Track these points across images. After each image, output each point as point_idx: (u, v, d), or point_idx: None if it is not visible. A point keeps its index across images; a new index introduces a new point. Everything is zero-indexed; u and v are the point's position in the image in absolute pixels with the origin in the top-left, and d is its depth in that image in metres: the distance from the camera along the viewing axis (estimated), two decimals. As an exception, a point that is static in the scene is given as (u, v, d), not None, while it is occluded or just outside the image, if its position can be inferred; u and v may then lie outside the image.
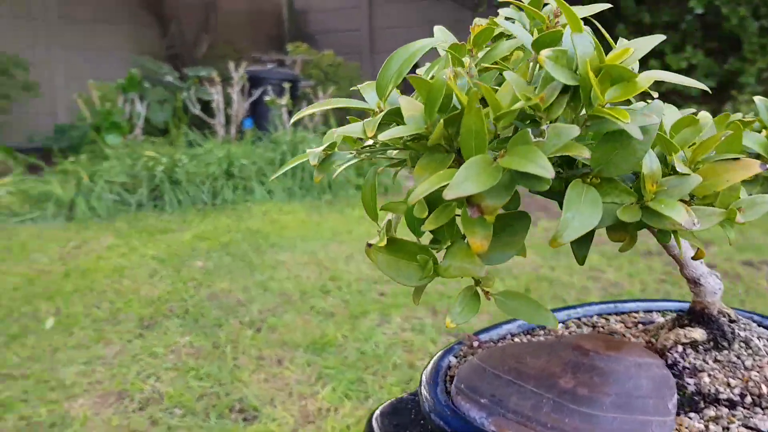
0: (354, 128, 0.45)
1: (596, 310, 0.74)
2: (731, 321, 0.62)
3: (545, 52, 0.38)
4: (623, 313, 0.75)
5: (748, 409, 0.52)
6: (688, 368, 0.57)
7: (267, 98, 5.52)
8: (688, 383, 0.55)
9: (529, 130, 0.38)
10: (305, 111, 0.48)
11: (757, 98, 0.54)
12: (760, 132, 0.52)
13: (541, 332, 0.70)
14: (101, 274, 2.63)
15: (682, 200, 0.42)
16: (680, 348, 0.60)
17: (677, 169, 0.41)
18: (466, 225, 0.40)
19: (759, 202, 0.45)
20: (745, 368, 0.58)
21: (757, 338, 0.60)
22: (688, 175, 0.41)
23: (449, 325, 0.42)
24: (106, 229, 3.37)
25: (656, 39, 0.43)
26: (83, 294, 2.42)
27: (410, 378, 1.74)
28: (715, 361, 0.59)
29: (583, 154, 0.37)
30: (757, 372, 0.56)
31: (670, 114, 0.47)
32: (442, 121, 0.40)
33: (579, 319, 0.74)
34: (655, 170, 0.40)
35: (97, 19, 7.17)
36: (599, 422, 0.46)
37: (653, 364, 0.52)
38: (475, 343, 0.67)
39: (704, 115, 0.49)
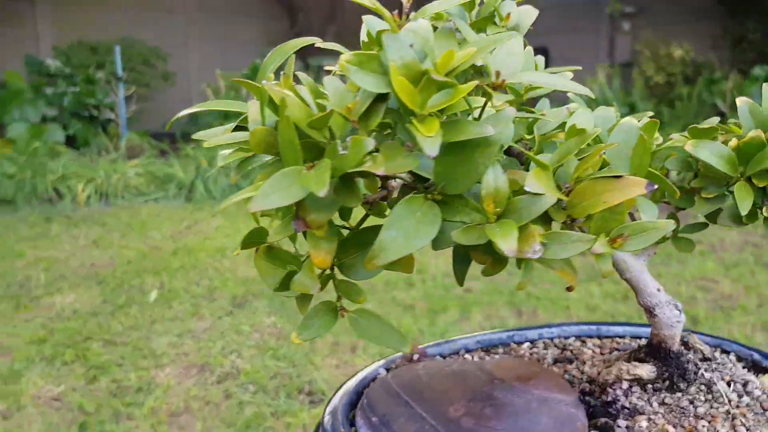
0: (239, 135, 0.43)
1: (575, 332, 0.68)
2: (703, 359, 0.54)
3: (346, 56, 0.34)
4: (606, 337, 0.68)
5: None
6: (627, 408, 0.50)
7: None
8: (619, 426, 0.49)
9: (339, 142, 0.35)
10: (186, 111, 0.46)
11: (740, 99, 0.46)
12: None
13: (500, 350, 0.66)
14: (205, 254, 2.81)
15: (565, 222, 0.37)
16: (626, 385, 0.53)
17: (526, 187, 0.35)
18: (310, 239, 0.37)
19: (649, 228, 0.37)
20: (695, 416, 0.50)
21: (727, 382, 0.52)
22: (542, 194, 0.35)
23: (294, 341, 0.40)
24: (217, 211, 3.59)
25: (509, 35, 0.37)
26: (187, 271, 2.60)
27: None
28: (662, 403, 0.51)
29: (376, 170, 0.33)
30: (707, 422, 0.48)
31: (582, 118, 0.41)
32: (261, 128, 0.38)
33: (551, 339, 0.68)
34: (500, 187, 0.35)
35: (233, 11, 7.63)
36: None
37: (562, 401, 0.47)
38: (416, 357, 0.63)
39: (625, 122, 0.42)
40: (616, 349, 0.64)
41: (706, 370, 0.53)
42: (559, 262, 0.37)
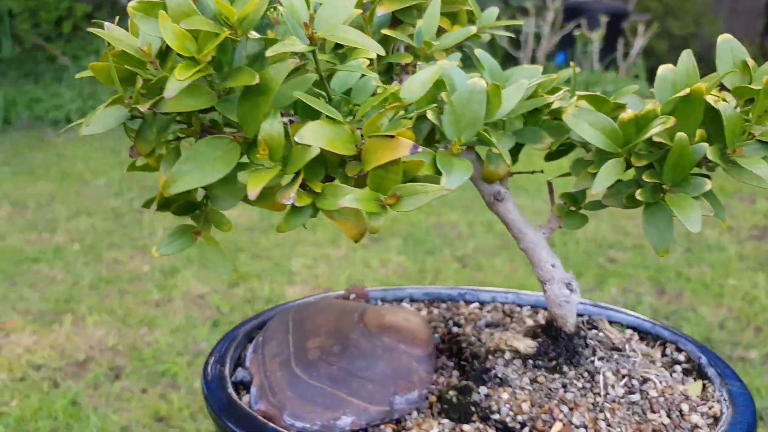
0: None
1: (532, 301, 0.65)
2: (612, 347, 0.49)
3: (132, 3, 0.33)
4: None
5: None
6: (499, 379, 0.47)
7: (577, 33, 5.22)
8: (478, 392, 0.46)
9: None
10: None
11: (661, 68, 0.37)
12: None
13: (444, 305, 0.63)
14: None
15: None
16: (509, 356, 0.47)
17: (295, 138, 0.32)
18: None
19: (419, 191, 0.35)
20: (560, 399, 0.43)
21: (613, 373, 0.46)
22: (308, 147, 0.31)
23: (154, 254, 0.41)
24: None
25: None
26: (338, 201, 2.76)
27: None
28: (534, 381, 0.45)
29: (175, 108, 0.33)
30: (568, 408, 0.44)
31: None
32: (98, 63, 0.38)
33: (503, 304, 0.63)
34: (274, 134, 0.33)
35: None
36: (299, 387, 0.43)
37: (406, 353, 0.45)
38: (352, 296, 0.62)
39: (469, 83, 0.36)
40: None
41: (600, 359, 0.47)
42: (338, 213, 0.35)
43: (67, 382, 1.44)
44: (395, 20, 0.48)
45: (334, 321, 0.47)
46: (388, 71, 0.48)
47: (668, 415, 0.44)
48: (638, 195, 0.39)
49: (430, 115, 0.38)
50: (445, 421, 0.43)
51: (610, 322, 0.60)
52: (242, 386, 0.48)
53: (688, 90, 0.38)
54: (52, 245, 2.27)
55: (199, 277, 2.00)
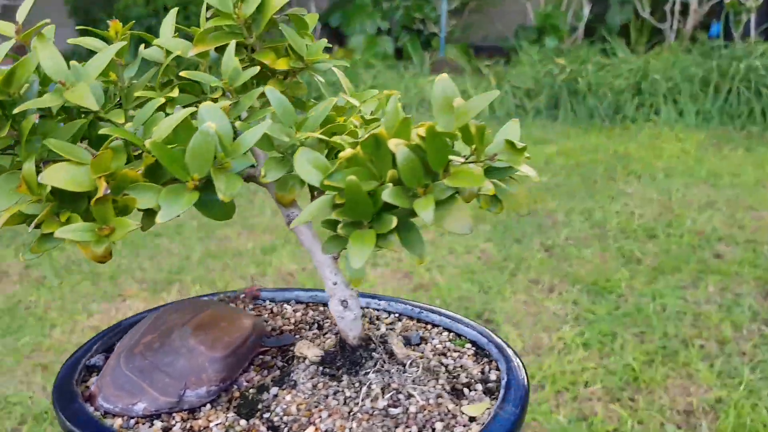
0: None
1: (400, 309, 0.65)
2: (396, 362, 0.51)
3: None
4: (422, 321, 0.64)
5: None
6: (293, 381, 0.51)
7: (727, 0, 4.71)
8: (270, 390, 0.51)
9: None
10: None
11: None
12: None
13: (322, 308, 0.66)
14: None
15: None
16: (308, 361, 0.48)
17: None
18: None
19: (125, 224, 0.41)
20: (324, 405, 0.44)
21: (383, 387, 0.48)
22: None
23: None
24: (493, 131, 3.65)
25: None
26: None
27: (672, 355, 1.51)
28: (315, 387, 0.47)
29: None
30: (326, 414, 0.47)
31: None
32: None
33: (374, 310, 0.62)
34: (29, 175, 0.41)
35: None
36: (116, 374, 0.50)
37: (203, 355, 0.50)
38: (242, 295, 0.65)
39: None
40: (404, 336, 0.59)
41: (377, 372, 0.47)
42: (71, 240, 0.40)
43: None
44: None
45: (171, 321, 0.54)
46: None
47: (420, 431, 0.45)
48: (339, 229, 0.41)
49: (155, 152, 0.42)
50: (231, 414, 0.48)
51: (458, 335, 0.60)
52: (95, 370, 0.56)
53: (372, 133, 0.39)
54: (175, 221, 2.55)
55: (293, 255, 2.15)
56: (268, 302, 0.69)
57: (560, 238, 2.18)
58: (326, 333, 0.61)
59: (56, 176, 0.41)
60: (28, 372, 1.53)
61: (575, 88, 3.86)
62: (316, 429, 0.46)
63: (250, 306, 0.68)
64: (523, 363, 0.54)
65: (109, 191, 0.41)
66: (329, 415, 0.47)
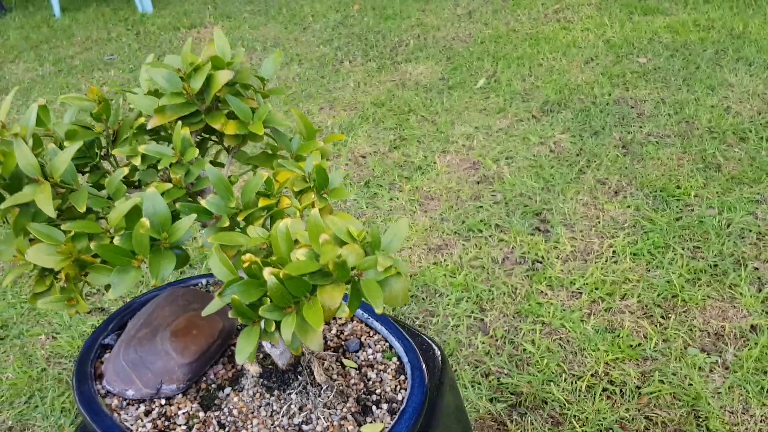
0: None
1: (356, 313, 0.70)
2: (315, 385, 0.61)
3: None
4: (370, 327, 0.72)
5: (221, 428, 0.60)
6: (242, 387, 0.62)
7: None
8: (224, 391, 0.64)
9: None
10: None
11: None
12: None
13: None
14: (550, 46, 2.80)
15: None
16: (248, 370, 0.58)
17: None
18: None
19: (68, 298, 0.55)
20: (257, 415, 0.54)
21: (300, 406, 0.59)
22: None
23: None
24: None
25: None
26: (522, 63, 2.68)
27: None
28: (254, 395, 0.56)
29: None
30: (257, 422, 0.59)
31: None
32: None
33: None
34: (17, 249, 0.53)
35: None
36: (116, 362, 0.64)
37: (174, 360, 0.64)
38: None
39: None
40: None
41: (298, 393, 0.57)
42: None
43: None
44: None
45: (165, 317, 0.66)
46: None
47: None
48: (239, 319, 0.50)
49: (115, 241, 0.51)
50: (195, 405, 0.62)
51: (390, 347, 0.69)
52: (109, 348, 0.70)
53: (255, 262, 0.45)
54: (264, 92, 2.68)
55: (368, 137, 2.24)
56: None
57: (641, 134, 2.11)
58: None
59: (37, 257, 0.52)
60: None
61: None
62: None
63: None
64: (425, 390, 0.62)
65: (66, 284, 0.53)
66: (258, 424, 0.60)
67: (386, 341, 0.73)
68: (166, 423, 0.62)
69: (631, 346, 1.33)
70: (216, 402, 0.65)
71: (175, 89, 0.58)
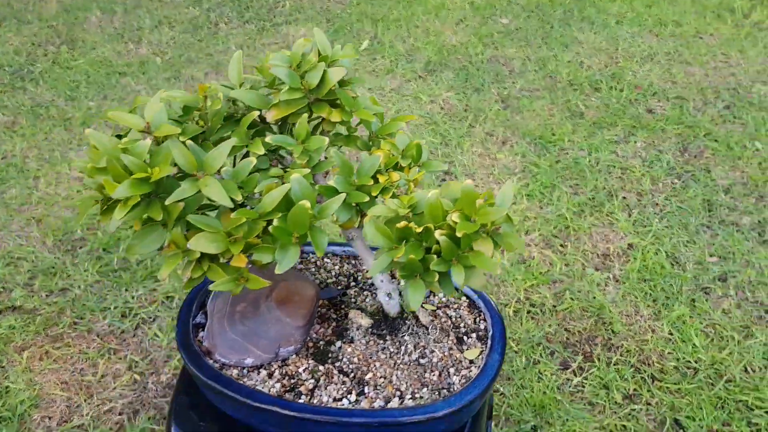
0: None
1: None
2: (424, 328, 0.72)
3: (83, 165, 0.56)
4: None
5: (344, 375, 0.69)
6: (351, 338, 0.73)
7: None
8: (335, 344, 0.73)
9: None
10: None
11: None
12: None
13: (354, 260, 0.86)
14: (423, 9, 2.96)
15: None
16: (359, 324, 0.72)
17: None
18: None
19: (255, 280, 0.63)
20: (376, 356, 0.68)
21: (414, 345, 0.71)
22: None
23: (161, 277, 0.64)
24: None
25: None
26: (400, 25, 2.82)
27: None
28: (367, 343, 0.70)
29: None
30: (375, 363, 0.69)
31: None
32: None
33: (339, 255, 0.85)
34: (179, 237, 0.61)
35: None
36: (225, 336, 0.70)
37: (289, 324, 0.71)
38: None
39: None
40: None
41: (410, 334, 0.71)
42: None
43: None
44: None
45: (257, 291, 0.73)
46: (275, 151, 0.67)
47: (439, 375, 0.70)
48: (399, 275, 0.61)
49: (274, 223, 0.58)
50: (312, 362, 0.71)
51: (455, 289, 0.83)
52: (200, 327, 0.76)
53: (425, 226, 0.57)
54: (138, 58, 2.55)
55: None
56: (310, 255, 0.88)
57: (515, 89, 2.35)
58: (363, 290, 0.81)
59: (200, 243, 0.57)
60: (23, 226, 1.66)
61: None
62: (374, 374, 0.69)
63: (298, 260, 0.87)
64: (502, 318, 0.77)
65: (250, 265, 0.58)
66: (381, 365, 0.70)
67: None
68: (292, 380, 0.69)
69: (541, 273, 1.56)
70: (330, 356, 0.72)
71: (295, 85, 0.64)
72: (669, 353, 1.36)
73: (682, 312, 1.45)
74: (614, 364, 1.34)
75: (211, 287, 0.59)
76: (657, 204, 1.81)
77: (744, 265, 1.60)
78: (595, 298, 1.49)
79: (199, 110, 0.65)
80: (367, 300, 0.79)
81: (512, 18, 2.88)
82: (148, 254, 0.64)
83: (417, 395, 0.68)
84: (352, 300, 0.81)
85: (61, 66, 2.47)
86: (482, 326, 0.79)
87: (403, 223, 0.60)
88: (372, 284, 0.83)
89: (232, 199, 0.58)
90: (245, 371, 0.70)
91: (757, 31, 2.82)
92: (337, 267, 0.87)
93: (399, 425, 0.63)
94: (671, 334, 1.41)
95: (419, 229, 0.60)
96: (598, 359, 1.35)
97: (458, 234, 0.58)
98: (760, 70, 2.49)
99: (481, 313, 0.81)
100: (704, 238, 1.68)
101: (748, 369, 1.34)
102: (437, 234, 0.59)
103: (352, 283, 0.84)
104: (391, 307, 0.75)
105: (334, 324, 0.78)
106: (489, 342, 0.75)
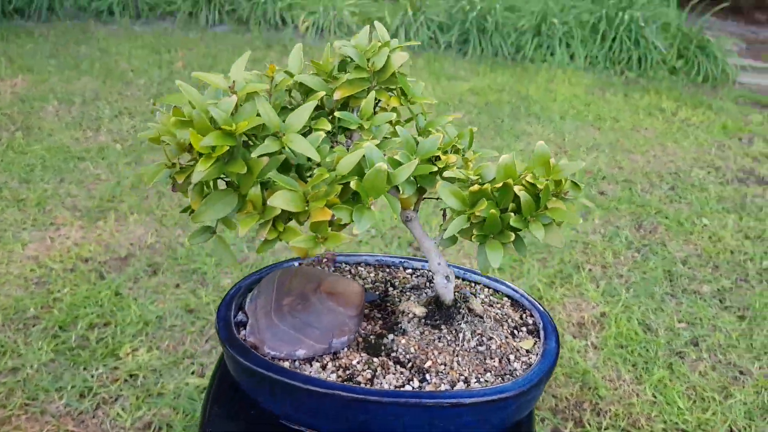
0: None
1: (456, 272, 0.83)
2: (476, 315, 0.72)
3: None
4: (466, 280, 0.84)
5: (401, 366, 0.66)
6: (403, 330, 0.69)
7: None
8: (387, 337, 0.70)
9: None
10: None
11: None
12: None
13: (387, 269, 0.85)
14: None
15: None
16: (412, 315, 0.70)
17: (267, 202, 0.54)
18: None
19: (337, 237, 0.61)
20: (433, 345, 0.66)
21: (471, 333, 0.70)
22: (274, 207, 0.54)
23: (186, 243, 0.61)
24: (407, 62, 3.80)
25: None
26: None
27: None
28: (422, 334, 0.67)
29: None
30: (438, 352, 0.67)
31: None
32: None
33: (428, 270, 0.84)
34: (257, 197, 0.60)
35: None
36: (274, 329, 0.66)
37: (342, 314, 0.68)
38: (324, 260, 0.83)
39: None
40: (416, 287, 0.81)
41: (465, 322, 0.69)
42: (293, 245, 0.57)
43: (111, 274, 1.69)
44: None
45: (302, 285, 0.70)
46: (346, 130, 0.68)
47: (499, 361, 0.67)
48: (473, 238, 0.60)
49: (352, 184, 0.58)
50: (364, 354, 0.67)
51: (495, 291, 0.82)
52: (241, 325, 0.72)
53: (502, 183, 0.59)
54: (97, 144, 2.51)
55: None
56: (344, 264, 0.86)
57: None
58: (404, 292, 0.79)
59: (280, 201, 0.55)
60: (-21, 300, 1.55)
61: (484, 26, 4.07)
62: (434, 362, 0.65)
63: (332, 268, 0.84)
64: (549, 314, 0.77)
65: (334, 217, 0.56)
66: (439, 353, 0.66)
67: (488, 288, 0.82)
68: (347, 371, 0.65)
69: (520, 340, 1.55)
70: (383, 348, 0.67)
71: (363, 64, 0.65)
72: (656, 416, 1.35)
73: (661, 375, 1.45)
74: (605, 429, 1.30)
75: (291, 243, 0.56)
76: (621, 275, 1.86)
77: (711, 330, 1.64)
78: (577, 363, 1.47)
79: (267, 91, 0.64)
80: (411, 299, 0.76)
81: (465, 113, 3.05)
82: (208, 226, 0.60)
83: (482, 380, 0.66)
84: (397, 299, 0.78)
85: (15, 151, 2.41)
86: (530, 321, 0.77)
87: (476, 187, 0.60)
88: (412, 287, 0.80)
89: (307, 165, 0.58)
90: (297, 364, 0.66)
91: (686, 126, 3.08)
92: (372, 275, 0.85)
93: (472, 405, 0.60)
94: (655, 396, 1.40)
95: (498, 185, 0.60)
96: (589, 424, 1.31)
97: (540, 186, 0.59)
98: (695, 157, 2.69)
99: (527, 311, 0.79)
100: (670, 305, 1.73)
101: (733, 428, 1.33)
102: (517, 189, 0.59)
103: (390, 289, 0.81)
104: (448, 292, 0.72)
105: (381, 322, 0.74)
106: (542, 333, 0.73)
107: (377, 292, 0.80)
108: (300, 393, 0.61)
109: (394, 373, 0.65)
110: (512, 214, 0.61)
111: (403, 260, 0.88)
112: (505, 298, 0.81)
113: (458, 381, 0.64)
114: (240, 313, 0.73)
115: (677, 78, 3.96)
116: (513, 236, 0.60)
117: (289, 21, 4.47)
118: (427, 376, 0.65)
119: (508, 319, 0.76)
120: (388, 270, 0.86)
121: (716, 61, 4.06)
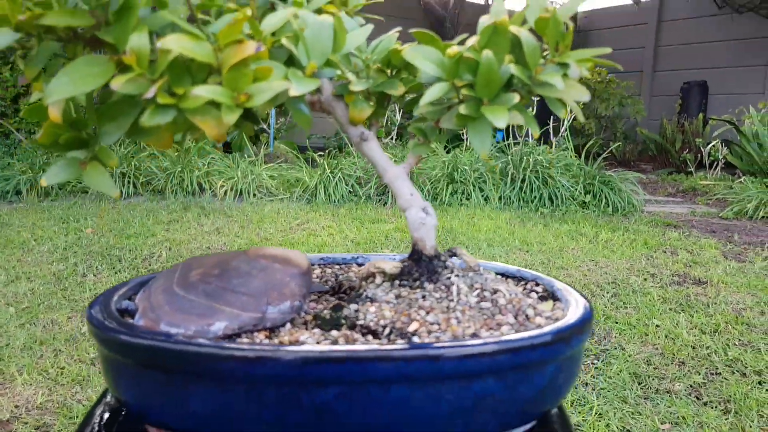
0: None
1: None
2: (468, 269, 0.54)
3: None
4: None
5: (374, 336, 0.46)
6: (368, 298, 0.51)
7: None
8: (350, 308, 0.51)
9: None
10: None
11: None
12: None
13: (337, 266, 0.69)
14: (305, 248, 2.98)
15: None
16: (379, 280, 0.53)
17: (157, 46, 0.38)
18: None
19: (266, 88, 0.40)
20: (419, 306, 0.48)
21: (468, 286, 0.52)
22: (169, 51, 0.37)
23: (42, 183, 0.43)
24: (330, 213, 3.79)
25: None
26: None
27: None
28: (398, 296, 0.50)
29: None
30: (425, 312, 0.49)
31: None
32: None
33: (316, 263, 0.69)
34: (141, 46, 0.40)
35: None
36: (176, 302, 0.46)
37: (280, 271, 0.49)
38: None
39: (316, 19, 0.45)
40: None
41: (457, 276, 0.52)
42: (199, 113, 0.40)
43: (-9, 440, 1.39)
44: None
45: (227, 258, 0.51)
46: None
47: (515, 317, 0.49)
48: (462, 110, 0.46)
49: (284, 41, 0.45)
50: (316, 330, 0.47)
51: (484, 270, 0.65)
52: (127, 313, 0.50)
53: (493, 21, 0.46)
54: (-15, 308, 2.20)
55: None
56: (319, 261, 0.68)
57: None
58: (347, 291, 0.60)
59: (175, 42, 0.38)
60: None
61: (400, 175, 4.18)
62: (421, 323, 0.46)
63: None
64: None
65: (262, 48, 0.39)
66: (427, 312, 0.47)
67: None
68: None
69: None
70: (345, 321, 0.45)
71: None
72: None
73: (661, 481, 1.24)
74: None
75: (194, 91, 0.38)
76: (587, 383, 1.69)
77: (699, 427, 1.47)
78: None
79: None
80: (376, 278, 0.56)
81: (392, 249, 2.97)
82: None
83: (496, 334, 0.46)
84: (354, 279, 0.57)
85: None
86: (539, 288, 0.59)
87: (454, 50, 0.45)
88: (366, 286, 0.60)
89: None
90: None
91: (609, 245, 3.13)
92: (318, 271, 0.65)
93: (503, 353, 0.42)
94: (661, 506, 1.18)
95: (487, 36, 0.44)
96: None
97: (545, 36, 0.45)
98: (628, 267, 2.68)
99: (529, 282, 0.61)
100: (647, 407, 1.56)
101: None
102: (515, 30, 0.44)
103: (345, 283, 0.61)
104: (428, 233, 0.52)
105: (333, 302, 0.53)
106: (559, 293, 0.55)
107: (328, 284, 0.61)
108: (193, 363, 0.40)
109: (365, 344, 0.45)
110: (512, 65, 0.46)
111: (356, 256, 0.70)
112: (498, 276, 0.63)
113: (463, 338, 0.45)
114: (125, 301, 0.52)
115: (589, 211, 4.14)
116: (517, 98, 0.44)
117: (207, 187, 4.43)
118: (416, 340, 0.45)
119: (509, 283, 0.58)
120: (338, 267, 0.67)
121: (621, 194, 4.31)
